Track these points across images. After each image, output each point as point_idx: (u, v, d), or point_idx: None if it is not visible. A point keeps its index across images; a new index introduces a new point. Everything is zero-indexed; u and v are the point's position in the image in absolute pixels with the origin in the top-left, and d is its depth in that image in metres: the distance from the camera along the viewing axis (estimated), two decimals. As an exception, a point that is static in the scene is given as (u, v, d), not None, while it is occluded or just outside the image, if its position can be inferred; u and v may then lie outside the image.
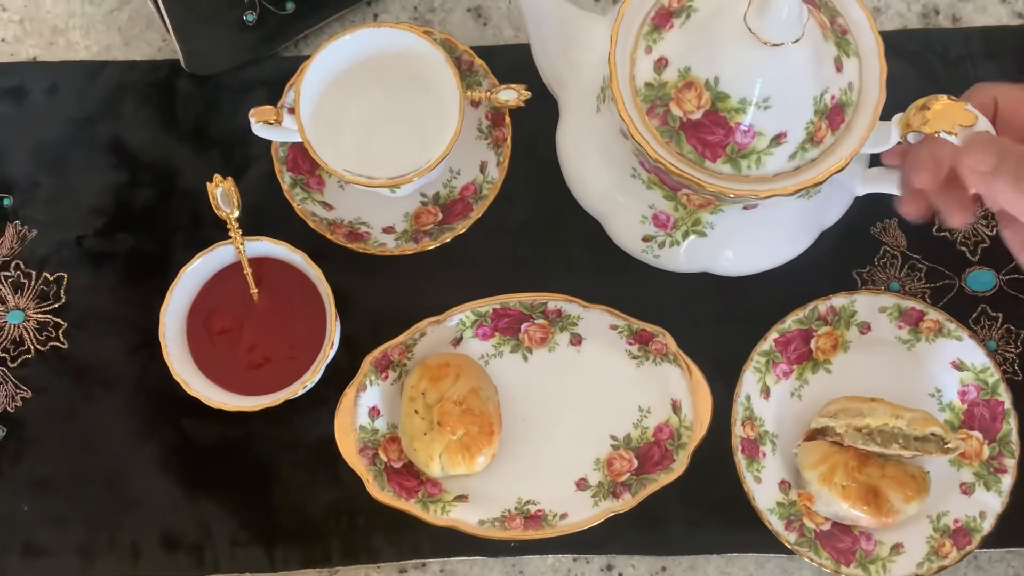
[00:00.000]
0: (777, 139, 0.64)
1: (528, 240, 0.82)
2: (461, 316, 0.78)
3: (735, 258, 0.74)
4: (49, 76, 0.85)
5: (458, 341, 0.79)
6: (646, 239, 0.74)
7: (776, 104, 0.63)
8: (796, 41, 0.61)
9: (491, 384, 0.77)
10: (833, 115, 0.65)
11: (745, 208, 0.69)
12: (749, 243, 0.73)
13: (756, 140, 0.64)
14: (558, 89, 0.76)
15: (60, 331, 0.80)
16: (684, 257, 0.74)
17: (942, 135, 0.64)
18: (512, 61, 0.80)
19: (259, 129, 0.76)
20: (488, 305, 0.78)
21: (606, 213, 0.75)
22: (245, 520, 0.77)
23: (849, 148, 0.66)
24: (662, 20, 0.66)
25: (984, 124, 0.65)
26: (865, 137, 0.66)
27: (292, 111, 0.75)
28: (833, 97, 0.65)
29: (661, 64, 0.65)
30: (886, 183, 0.74)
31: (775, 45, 0.61)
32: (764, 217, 0.70)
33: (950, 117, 0.64)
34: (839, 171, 0.65)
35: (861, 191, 0.75)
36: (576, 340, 0.79)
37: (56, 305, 0.81)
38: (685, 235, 0.72)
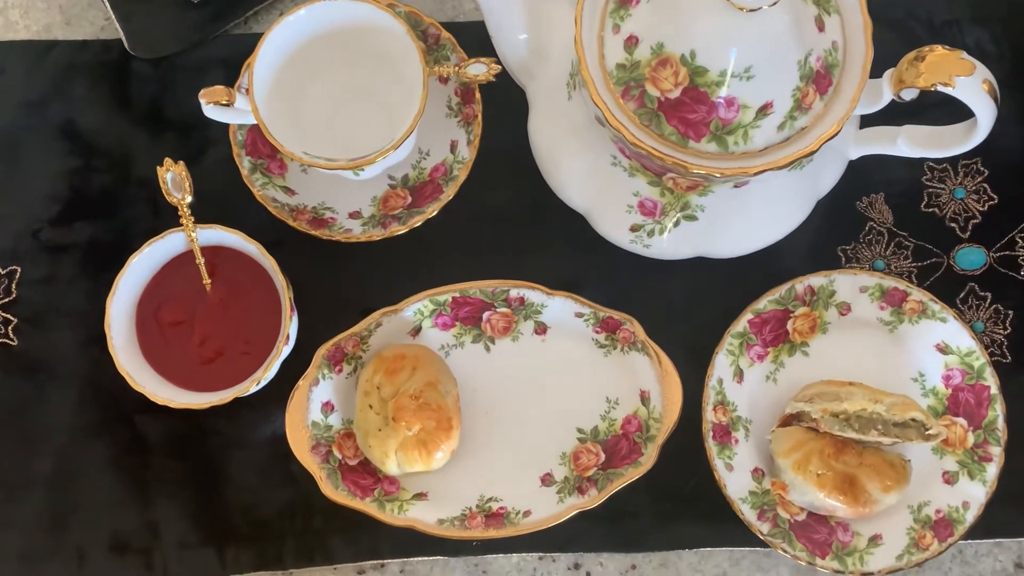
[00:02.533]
0: (763, 110, 0.61)
1: (503, 223, 0.79)
2: (419, 305, 0.75)
3: (730, 239, 0.71)
4: (-7, 57, 0.83)
5: (417, 331, 0.76)
6: (634, 229, 0.71)
7: (758, 73, 0.60)
8: (774, 4, 0.58)
9: (450, 376, 0.74)
10: (820, 78, 0.62)
11: (736, 186, 0.66)
12: (743, 222, 0.70)
13: (741, 114, 0.61)
14: (524, 79, 0.73)
15: (10, 327, 0.78)
16: (676, 244, 0.71)
17: (939, 88, 0.61)
18: (483, 36, 0.76)
19: (211, 111, 0.73)
20: (447, 294, 0.75)
21: (588, 206, 0.72)
22: (196, 521, 0.75)
23: (840, 112, 0.62)
24: None
25: (983, 73, 0.61)
26: (856, 98, 0.62)
27: (248, 91, 0.72)
28: (818, 59, 0.62)
29: (631, 43, 0.62)
30: (881, 143, 0.70)
31: (752, 10, 0.58)
32: (757, 193, 0.67)
33: (946, 67, 0.61)
34: (832, 138, 0.62)
35: (855, 154, 0.72)
36: (541, 329, 0.76)
37: (7, 300, 0.79)
38: (675, 221, 0.69)
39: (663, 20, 0.61)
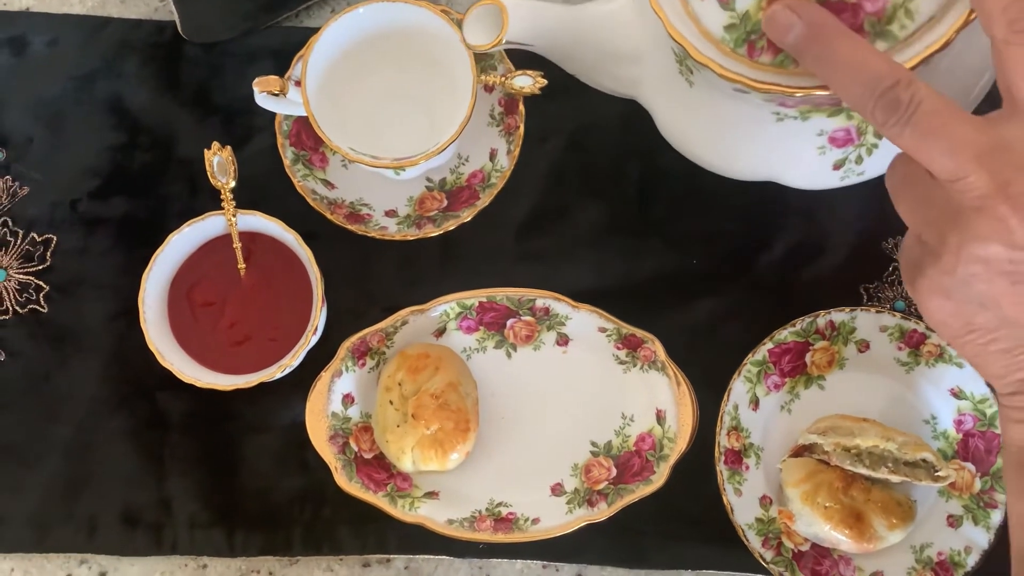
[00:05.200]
0: None
1: (533, 234, 0.80)
2: (445, 307, 0.76)
3: None
4: (51, 29, 0.84)
5: (441, 332, 0.77)
6: (838, 166, 0.64)
7: None
8: None
9: (471, 379, 0.75)
10: None
11: (926, 66, 0.58)
12: (944, 90, 0.60)
13: None
14: (631, 91, 0.68)
15: (41, 294, 0.79)
16: (890, 153, 0.62)
17: None
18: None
19: (262, 100, 0.74)
20: (474, 298, 0.76)
21: (776, 172, 0.66)
22: (207, 502, 0.76)
23: None
24: None
25: None
26: None
27: (299, 84, 0.74)
28: None
29: None
30: None
31: None
32: (943, 58, 0.59)
33: None
34: None
35: None
36: (563, 340, 0.77)
37: (41, 267, 0.80)
38: (877, 133, 0.62)
39: None
